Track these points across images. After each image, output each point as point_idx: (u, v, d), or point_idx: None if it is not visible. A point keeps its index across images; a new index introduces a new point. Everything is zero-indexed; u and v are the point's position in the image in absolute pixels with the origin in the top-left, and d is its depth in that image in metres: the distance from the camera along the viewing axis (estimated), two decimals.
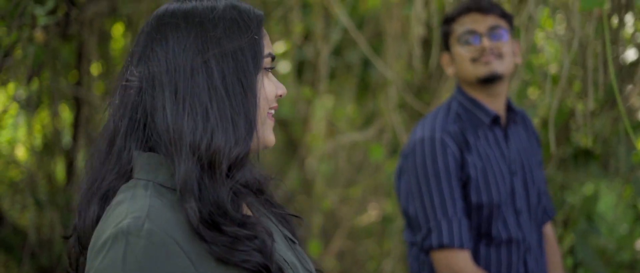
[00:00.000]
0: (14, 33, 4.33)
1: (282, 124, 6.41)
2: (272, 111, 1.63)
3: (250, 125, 1.52)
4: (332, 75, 4.85)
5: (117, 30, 5.41)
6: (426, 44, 3.81)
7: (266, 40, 1.60)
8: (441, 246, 2.62)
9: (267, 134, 1.59)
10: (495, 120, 2.73)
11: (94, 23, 4.70)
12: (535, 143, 2.91)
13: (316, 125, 4.23)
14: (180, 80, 1.52)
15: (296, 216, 1.84)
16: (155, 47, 1.56)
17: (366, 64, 4.94)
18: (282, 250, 1.61)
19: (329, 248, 4.52)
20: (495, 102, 2.73)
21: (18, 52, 4.30)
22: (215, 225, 1.46)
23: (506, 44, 2.66)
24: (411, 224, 2.75)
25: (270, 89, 1.59)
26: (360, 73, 4.86)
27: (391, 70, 3.86)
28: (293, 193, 4.82)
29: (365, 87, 5.27)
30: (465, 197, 2.69)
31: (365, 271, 5.12)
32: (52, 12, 4.33)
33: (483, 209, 2.69)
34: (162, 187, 1.50)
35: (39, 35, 4.47)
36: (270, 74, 1.61)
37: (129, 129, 1.56)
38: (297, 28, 5.07)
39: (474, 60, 2.65)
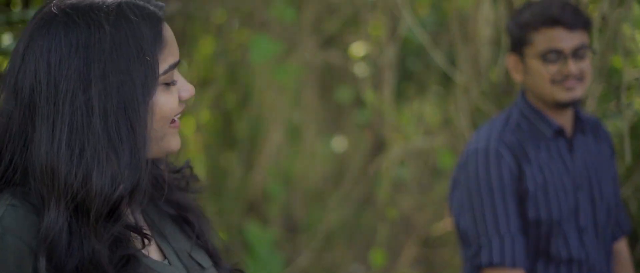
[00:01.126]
0: None
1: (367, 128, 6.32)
2: (176, 118, 1.49)
3: (136, 161, 1.39)
4: (411, 78, 4.72)
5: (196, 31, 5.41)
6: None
7: (168, 49, 1.46)
8: (491, 264, 2.46)
9: (169, 143, 1.49)
10: (559, 132, 2.55)
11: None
12: (608, 155, 2.69)
13: (391, 130, 4.10)
14: (59, 107, 1.38)
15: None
16: (37, 57, 1.41)
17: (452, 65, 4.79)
18: None
19: (402, 256, 4.40)
20: (562, 115, 2.55)
21: None
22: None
23: (588, 63, 2.48)
24: (462, 239, 2.59)
25: (169, 104, 1.46)
26: (441, 76, 4.71)
27: (465, 73, 3.71)
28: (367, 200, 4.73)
29: (448, 91, 5.12)
30: (523, 212, 2.51)
31: None
32: None
33: (541, 226, 2.50)
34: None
35: None
36: (171, 86, 1.47)
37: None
38: (375, 31, 4.95)
39: (554, 82, 2.47)
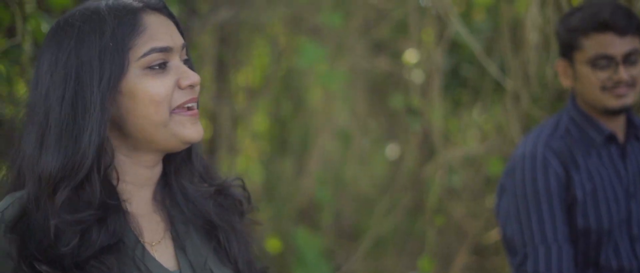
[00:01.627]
0: None
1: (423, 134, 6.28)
2: (186, 104, 1.58)
3: (76, 143, 1.51)
4: (465, 84, 4.69)
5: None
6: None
7: (148, 33, 1.55)
8: None
9: (180, 131, 1.57)
10: (611, 138, 2.48)
11: (216, 31, 4.74)
12: None
13: (442, 137, 4.08)
14: (37, 98, 1.55)
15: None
16: (38, 58, 1.58)
17: (504, 72, 4.73)
18: None
19: (453, 264, 4.36)
20: (613, 121, 2.49)
21: None
22: (31, 264, 1.47)
23: (639, 68, 2.42)
24: (508, 247, 2.53)
25: (157, 88, 1.54)
26: (494, 82, 4.66)
27: (515, 79, 3.66)
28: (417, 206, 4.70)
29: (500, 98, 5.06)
30: (571, 220, 2.46)
31: None
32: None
33: (591, 235, 2.44)
34: None
35: None
36: (157, 71, 1.56)
37: None
38: (428, 36, 4.92)
39: (605, 88, 2.41)
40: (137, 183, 1.65)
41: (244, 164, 6.33)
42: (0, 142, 4.31)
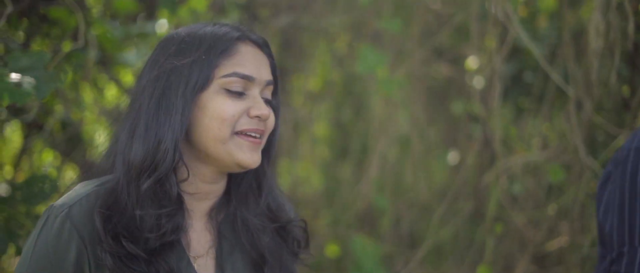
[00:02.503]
0: None
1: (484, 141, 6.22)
2: (251, 132, 1.75)
3: (159, 142, 1.68)
4: (527, 91, 4.63)
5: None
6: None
7: (237, 58, 1.73)
8: None
9: (236, 153, 1.73)
10: None
11: (278, 37, 4.77)
12: None
13: (503, 144, 4.02)
14: (136, 92, 1.77)
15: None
16: (147, 58, 1.81)
17: (567, 79, 4.66)
18: None
19: None
20: None
21: None
22: (116, 237, 1.66)
23: None
24: (603, 240, 2.35)
25: (227, 109, 1.70)
26: (557, 89, 4.58)
27: (578, 86, 3.60)
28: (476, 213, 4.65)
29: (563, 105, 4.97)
30: None
31: None
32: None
33: None
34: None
35: None
36: (235, 95, 1.74)
37: None
38: (489, 42, 4.87)
39: None
40: (196, 196, 1.81)
41: (305, 170, 6.35)
42: (67, 144, 4.40)
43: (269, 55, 1.86)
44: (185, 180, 1.77)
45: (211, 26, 1.79)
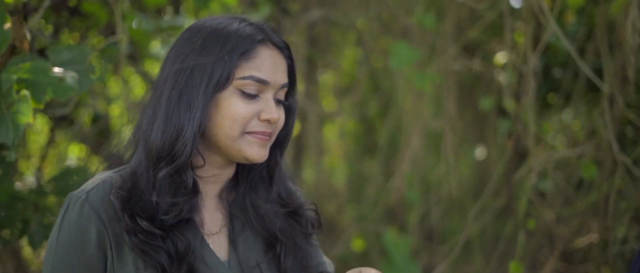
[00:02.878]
0: None
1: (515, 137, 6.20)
2: (259, 132, 1.84)
3: (178, 134, 1.78)
4: (558, 88, 4.61)
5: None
6: None
7: (255, 62, 1.80)
8: None
9: (245, 149, 1.84)
10: None
11: (307, 31, 4.78)
12: None
13: (533, 140, 4.01)
14: (158, 81, 1.86)
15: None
16: (170, 48, 1.89)
17: (599, 75, 4.63)
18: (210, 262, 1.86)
19: (542, 269, 4.28)
20: None
21: None
22: (132, 215, 1.77)
23: None
24: None
25: (240, 110, 1.80)
26: (587, 85, 4.57)
27: (611, 82, 3.58)
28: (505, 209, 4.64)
29: (594, 100, 4.95)
30: None
31: None
32: (265, 20, 4.44)
33: None
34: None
35: None
36: (250, 97, 1.82)
37: None
38: (519, 38, 4.86)
39: None
40: (207, 179, 1.92)
41: (330, 163, 6.37)
42: (95, 137, 4.42)
43: (289, 58, 1.92)
44: (201, 167, 1.89)
45: (237, 23, 1.84)
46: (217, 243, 1.93)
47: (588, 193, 4.32)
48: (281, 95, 1.91)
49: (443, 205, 4.83)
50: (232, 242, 1.94)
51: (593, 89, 4.67)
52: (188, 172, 1.83)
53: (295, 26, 4.66)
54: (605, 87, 3.46)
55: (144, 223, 1.78)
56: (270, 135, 1.88)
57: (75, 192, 1.86)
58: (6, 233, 3.10)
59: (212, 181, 1.95)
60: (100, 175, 1.89)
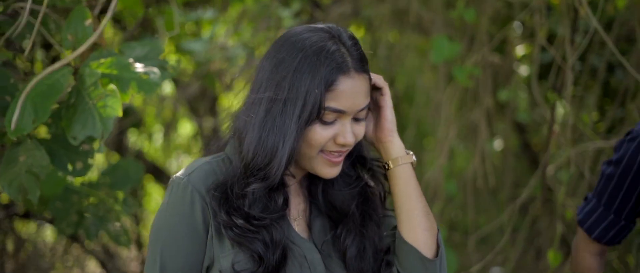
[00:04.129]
0: (260, 33, 4.54)
1: (519, 130, 6.26)
2: (334, 152, 1.97)
3: (271, 157, 1.92)
4: (575, 80, 4.67)
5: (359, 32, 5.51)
6: None
7: (335, 93, 1.90)
8: None
9: (318, 168, 1.99)
10: None
11: (338, 25, 4.80)
12: None
13: (559, 131, 4.07)
14: (251, 96, 1.97)
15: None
16: (262, 62, 1.99)
17: (611, 69, 4.70)
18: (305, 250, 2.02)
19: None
20: None
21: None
22: (228, 213, 1.92)
23: None
24: None
25: (317, 137, 1.94)
26: (604, 78, 4.63)
27: None
28: (531, 200, 4.70)
29: (610, 93, 5.02)
30: None
31: None
32: (297, 14, 4.50)
33: None
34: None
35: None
36: (328, 123, 1.93)
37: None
38: (541, 31, 4.92)
39: None
40: (290, 174, 2.03)
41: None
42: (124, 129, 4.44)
43: (366, 77, 1.98)
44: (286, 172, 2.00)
45: (327, 47, 1.92)
46: (299, 226, 2.09)
47: None
48: (362, 115, 2.00)
49: (475, 196, 4.89)
50: (309, 226, 2.10)
51: (613, 82, 4.77)
52: (279, 190, 1.98)
53: (327, 19, 4.71)
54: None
55: (239, 222, 1.93)
56: (344, 153, 2.01)
57: (178, 175, 2.00)
58: (62, 225, 3.14)
59: (294, 174, 2.06)
60: (199, 161, 2.04)
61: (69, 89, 2.33)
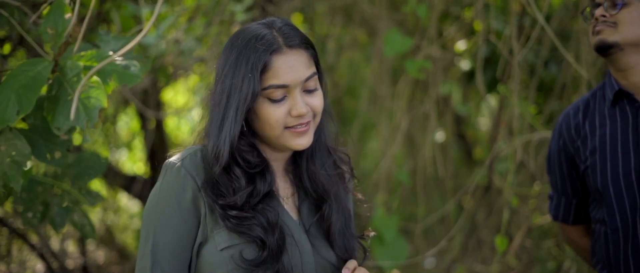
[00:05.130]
0: (214, 27, 4.60)
1: (456, 121, 6.46)
2: (296, 126, 2.13)
3: (221, 141, 2.12)
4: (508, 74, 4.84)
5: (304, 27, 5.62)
6: None
7: (273, 72, 2.09)
8: None
9: (289, 143, 2.15)
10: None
11: (289, 19, 4.90)
12: None
13: (502, 123, 4.24)
14: (212, 94, 2.19)
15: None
16: (218, 61, 2.21)
17: (545, 64, 4.90)
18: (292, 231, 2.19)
19: (510, 246, 4.50)
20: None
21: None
22: (223, 208, 2.10)
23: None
24: None
25: (272, 114, 2.12)
26: (538, 72, 4.82)
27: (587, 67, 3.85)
28: (476, 189, 4.87)
29: (544, 88, 5.24)
30: None
31: (544, 270, 5.10)
32: (249, 8, 4.57)
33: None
34: None
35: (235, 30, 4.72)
36: (278, 101, 2.11)
37: None
38: (478, 27, 5.10)
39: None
40: (272, 158, 2.24)
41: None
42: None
43: (306, 50, 2.16)
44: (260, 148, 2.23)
45: (260, 35, 2.13)
46: (289, 207, 2.26)
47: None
48: (311, 85, 2.16)
49: (420, 186, 5.04)
50: (298, 208, 2.27)
51: (547, 76, 4.98)
52: (234, 169, 2.15)
53: (279, 13, 4.80)
54: (585, 74, 3.70)
55: (233, 212, 2.11)
56: (307, 124, 2.16)
57: (172, 160, 2.17)
58: (28, 215, 3.17)
59: (274, 158, 2.26)
60: (191, 148, 2.21)
61: (50, 81, 2.39)
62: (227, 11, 4.44)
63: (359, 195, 2.43)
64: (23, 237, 5.18)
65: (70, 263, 6.18)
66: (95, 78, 2.31)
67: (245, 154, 2.17)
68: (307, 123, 2.15)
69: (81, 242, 6.49)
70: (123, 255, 7.44)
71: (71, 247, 6.85)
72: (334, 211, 2.26)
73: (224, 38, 4.55)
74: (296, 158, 2.31)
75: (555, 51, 4.83)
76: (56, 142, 2.53)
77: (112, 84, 2.37)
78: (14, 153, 2.36)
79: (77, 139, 2.54)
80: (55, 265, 5.68)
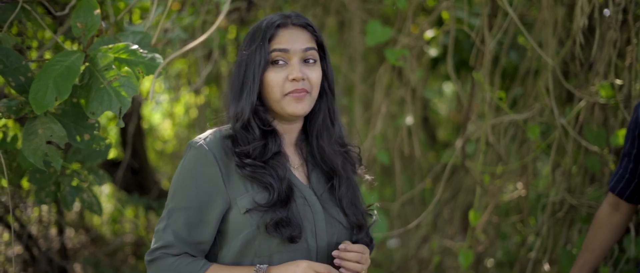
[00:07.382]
0: (200, 17, 4.81)
1: (424, 106, 6.76)
2: (293, 92, 2.42)
3: (243, 100, 2.44)
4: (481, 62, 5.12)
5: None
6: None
7: (278, 39, 2.44)
8: None
9: (287, 108, 2.45)
10: None
11: (273, 11, 5.14)
12: None
13: (475, 107, 4.51)
14: (234, 70, 2.53)
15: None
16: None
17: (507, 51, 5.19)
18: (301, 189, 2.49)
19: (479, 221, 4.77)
20: None
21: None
22: (239, 157, 2.42)
23: None
24: None
25: (275, 78, 2.44)
26: (502, 60, 5.10)
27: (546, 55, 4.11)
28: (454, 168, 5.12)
29: (506, 74, 5.55)
30: None
31: (509, 244, 5.41)
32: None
33: None
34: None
35: (222, 21, 4.92)
36: (280, 66, 2.43)
37: None
38: (445, 15, 5.38)
39: None
40: (282, 130, 2.54)
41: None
42: None
43: (308, 30, 2.51)
44: (273, 120, 2.52)
45: (270, 17, 2.49)
46: (299, 174, 2.56)
47: (522, 155, 4.91)
48: (311, 57, 2.48)
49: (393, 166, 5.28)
50: (308, 176, 2.56)
51: (507, 63, 5.26)
52: (252, 123, 2.45)
53: (262, 5, 5.02)
54: (551, 61, 3.99)
55: (248, 161, 2.40)
56: (304, 91, 2.45)
57: (194, 140, 2.45)
58: (42, 194, 3.40)
59: (285, 131, 2.55)
60: (210, 130, 2.49)
61: (82, 71, 2.62)
62: (212, 1, 4.66)
63: (368, 176, 2.74)
64: (1, 221, 5.31)
65: (45, 246, 6.26)
66: (126, 68, 2.56)
67: (261, 113, 2.47)
68: (303, 90, 2.43)
69: (58, 226, 6.59)
70: (96, 239, 7.55)
71: (51, 231, 6.96)
72: (343, 184, 2.56)
73: (208, 27, 4.77)
74: (307, 135, 2.60)
75: (515, 39, 5.16)
76: (85, 125, 2.78)
77: (139, 74, 2.62)
78: (51, 135, 2.60)
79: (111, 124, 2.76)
80: (35, 251, 5.82)
